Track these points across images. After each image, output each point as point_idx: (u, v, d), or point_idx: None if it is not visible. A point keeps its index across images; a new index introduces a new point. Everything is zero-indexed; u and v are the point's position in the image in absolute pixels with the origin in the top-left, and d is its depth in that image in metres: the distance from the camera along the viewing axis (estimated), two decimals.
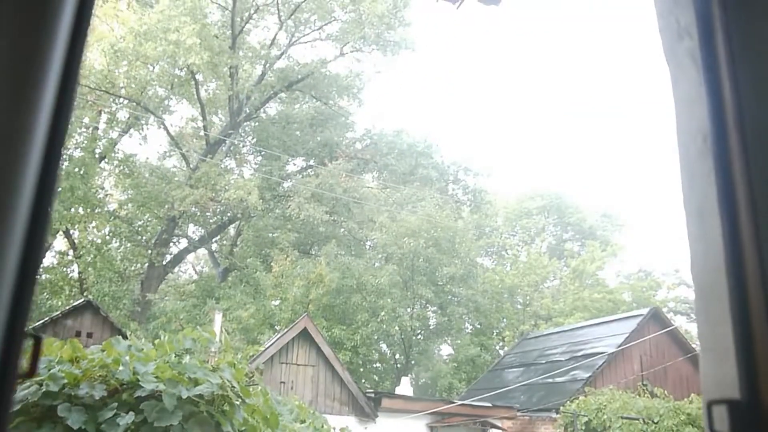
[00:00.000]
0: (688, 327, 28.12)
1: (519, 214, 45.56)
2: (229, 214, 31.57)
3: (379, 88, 49.67)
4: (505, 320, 31.50)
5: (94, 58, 29.37)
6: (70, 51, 0.84)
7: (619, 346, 18.56)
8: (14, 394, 0.89)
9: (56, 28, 0.82)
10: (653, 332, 19.02)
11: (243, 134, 34.07)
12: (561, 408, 17.13)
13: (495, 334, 31.23)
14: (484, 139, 70.11)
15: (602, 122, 73.36)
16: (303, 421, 8.46)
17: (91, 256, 27.41)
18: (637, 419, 15.53)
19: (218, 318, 15.63)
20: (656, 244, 64.06)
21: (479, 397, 18.26)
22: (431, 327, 30.04)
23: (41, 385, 4.32)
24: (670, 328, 19.40)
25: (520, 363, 22.82)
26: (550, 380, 18.99)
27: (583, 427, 16.57)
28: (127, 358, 4.80)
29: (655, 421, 15.27)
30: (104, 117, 30.17)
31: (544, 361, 21.29)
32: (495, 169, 48.17)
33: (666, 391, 17.72)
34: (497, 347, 30.49)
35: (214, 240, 33.99)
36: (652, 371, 18.77)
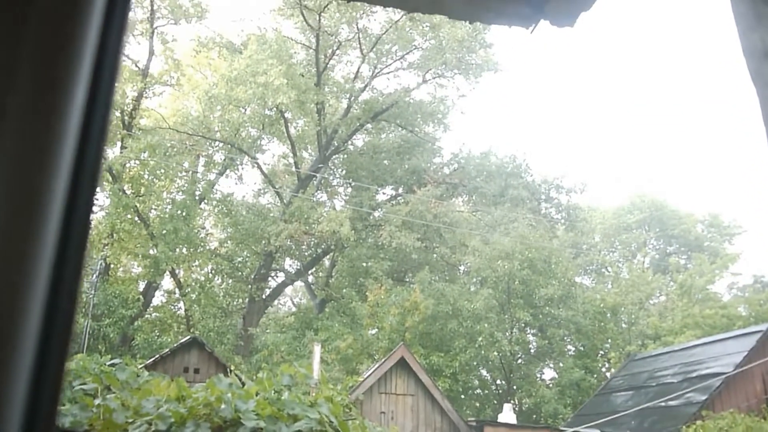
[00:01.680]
0: None
1: (617, 230, 43.83)
2: (323, 246, 32.24)
3: (463, 111, 49.52)
4: (609, 341, 30.16)
5: (190, 105, 31.14)
6: (93, 81, 0.84)
7: (738, 365, 17.29)
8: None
9: (78, 58, 0.82)
10: None
11: (332, 167, 34.87)
12: None
13: (599, 356, 29.96)
14: (575, 155, 68.36)
15: (698, 128, 69.84)
16: None
17: (196, 293, 28.67)
18: None
19: (317, 350, 15.89)
20: None
21: (587, 425, 17.50)
22: (532, 351, 29.23)
23: (150, 424, 4.52)
24: None
25: (629, 386, 21.72)
26: (663, 404, 17.93)
27: None
28: (229, 395, 4.94)
29: None
30: (202, 161, 31.79)
31: (654, 384, 20.16)
32: (588, 184, 46.64)
33: None
34: (603, 370, 29.22)
35: (310, 272, 34.76)
36: None
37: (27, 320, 0.75)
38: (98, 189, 0.89)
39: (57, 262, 0.79)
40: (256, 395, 5.09)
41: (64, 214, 0.81)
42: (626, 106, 72.88)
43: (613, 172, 71.42)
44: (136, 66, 29.65)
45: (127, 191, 28.15)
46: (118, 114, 29.03)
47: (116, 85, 0.93)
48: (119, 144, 29.23)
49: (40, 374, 0.77)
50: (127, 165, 28.79)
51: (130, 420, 4.65)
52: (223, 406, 4.74)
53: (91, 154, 0.86)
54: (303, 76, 29.53)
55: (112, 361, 5.68)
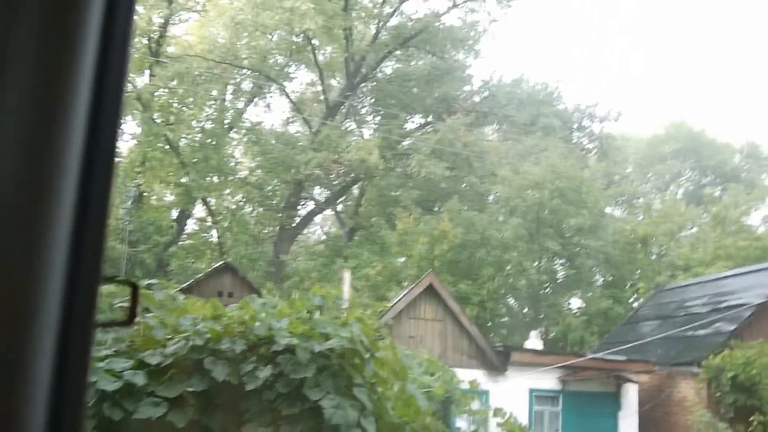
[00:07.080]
0: None
1: (651, 160, 42.95)
2: (352, 175, 32.24)
3: (495, 37, 47.81)
4: (638, 272, 30.04)
5: (217, 32, 30.71)
6: (102, 45, 0.78)
7: None
8: (92, 342, 0.81)
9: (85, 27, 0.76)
10: None
11: (361, 95, 34.45)
12: (703, 362, 16.22)
13: (628, 286, 29.92)
14: (610, 83, 66.38)
15: (741, 55, 67.11)
16: (432, 374, 8.58)
17: (228, 221, 29.15)
18: None
19: (347, 276, 16.11)
20: None
21: (613, 350, 17.68)
22: (559, 280, 29.32)
23: (188, 340, 4.67)
24: None
25: (656, 315, 21.78)
26: (690, 333, 17.99)
27: (729, 382, 15.62)
28: (263, 314, 5.07)
29: None
30: (230, 89, 31.62)
31: (682, 314, 20.18)
32: (623, 113, 45.17)
33: None
34: (631, 300, 29.26)
35: (339, 201, 34.97)
36: None
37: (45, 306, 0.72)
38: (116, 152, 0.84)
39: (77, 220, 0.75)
40: (289, 315, 5.21)
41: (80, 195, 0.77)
42: (664, 32, 70.05)
43: (649, 100, 69.44)
44: None
45: (156, 120, 28.26)
46: (145, 41, 28.79)
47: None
48: (147, 72, 29.14)
49: (62, 375, 0.73)
50: (156, 93, 28.79)
51: (169, 336, 4.81)
52: (257, 324, 4.87)
53: (110, 98, 0.80)
54: (330, 0, 28.79)
55: (148, 282, 5.83)
